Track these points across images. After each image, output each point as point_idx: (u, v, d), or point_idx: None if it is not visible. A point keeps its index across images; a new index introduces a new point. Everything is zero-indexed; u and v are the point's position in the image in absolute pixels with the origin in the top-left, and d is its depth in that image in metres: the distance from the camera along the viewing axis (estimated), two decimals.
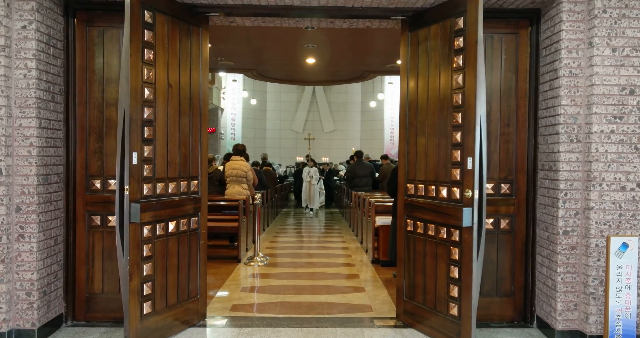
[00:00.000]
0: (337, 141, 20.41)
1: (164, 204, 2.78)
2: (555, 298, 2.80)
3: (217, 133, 15.04)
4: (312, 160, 10.42)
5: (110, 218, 3.05)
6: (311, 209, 10.05)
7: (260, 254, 5.13)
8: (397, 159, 4.05)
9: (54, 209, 2.91)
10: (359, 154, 8.23)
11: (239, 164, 5.74)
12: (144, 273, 2.66)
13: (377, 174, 7.95)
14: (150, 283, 2.70)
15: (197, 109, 3.07)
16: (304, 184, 10.08)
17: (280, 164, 15.66)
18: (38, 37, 2.73)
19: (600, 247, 2.69)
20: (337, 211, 11.04)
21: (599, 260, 2.69)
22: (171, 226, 2.85)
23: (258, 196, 5.29)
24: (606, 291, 2.56)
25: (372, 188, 7.72)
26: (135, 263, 2.59)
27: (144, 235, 2.66)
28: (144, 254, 2.67)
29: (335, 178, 11.82)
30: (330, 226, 8.45)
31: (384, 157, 8.22)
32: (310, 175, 9.92)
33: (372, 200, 5.33)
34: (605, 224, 2.69)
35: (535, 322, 3.08)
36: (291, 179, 13.09)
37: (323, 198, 10.90)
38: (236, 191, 5.68)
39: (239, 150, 5.85)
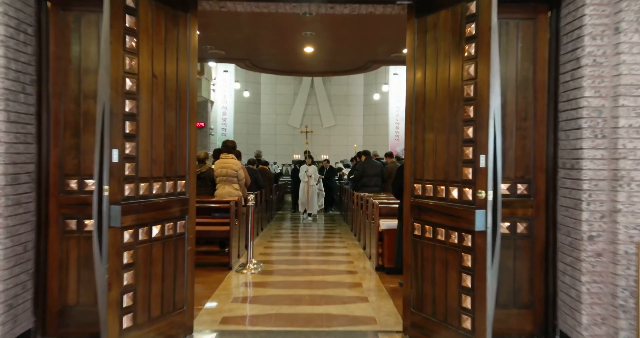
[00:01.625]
0: (337, 137, 20.40)
1: (147, 206, 2.77)
2: (580, 311, 2.76)
3: (207, 128, 15.02)
4: (310, 157, 10.16)
5: (87, 221, 3.02)
6: (309, 215, 9.83)
7: (254, 261, 5.12)
8: (403, 157, 4.03)
9: (23, 213, 2.86)
10: (367, 152, 8.31)
11: (228, 163, 5.73)
12: (125, 283, 2.65)
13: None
14: (131, 293, 2.68)
15: (185, 102, 3.05)
16: (301, 185, 9.82)
17: (275, 163, 15.65)
18: (5, 21, 2.68)
19: (629, 254, 2.64)
20: (338, 214, 11.02)
21: (628, 268, 2.63)
22: (155, 230, 2.84)
23: (251, 197, 5.28)
24: (637, 303, 2.53)
25: (380, 189, 7.78)
26: (114, 272, 2.57)
27: (125, 240, 2.65)
28: (125, 261, 2.66)
29: (336, 177, 11.80)
30: (331, 230, 8.45)
31: (389, 155, 8.26)
32: (309, 175, 9.66)
33: (376, 202, 5.32)
34: (634, 228, 2.64)
35: (557, 336, 3.05)
36: (287, 178, 13.07)
37: (322, 200, 10.81)
38: (226, 191, 5.67)
39: (229, 147, 5.84)
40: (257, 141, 19.98)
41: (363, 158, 8.28)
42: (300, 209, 9.93)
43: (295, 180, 10.65)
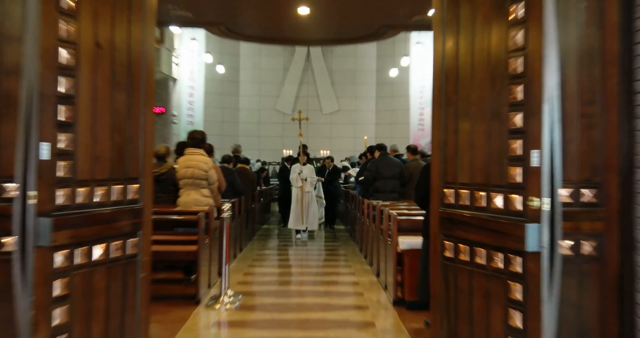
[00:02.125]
0: (342, 126, 20.44)
1: (88, 218, 2.78)
2: None
3: (168, 114, 15.04)
4: (306, 153, 9.88)
5: (5, 239, 2.95)
6: (304, 231, 9.60)
7: (230, 292, 5.12)
8: (430, 154, 4.04)
9: None
10: (381, 146, 8.30)
11: (196, 161, 5.73)
12: (56, 322, 2.63)
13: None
14: (64, 336, 2.67)
15: (139, 80, 3.08)
16: (294, 192, 9.62)
17: (259, 161, 15.63)
18: None
19: None
20: (343, 229, 11.02)
21: None
22: (98, 251, 2.84)
23: (227, 206, 5.29)
24: None
25: (399, 195, 7.84)
26: (42, 307, 2.55)
27: (57, 265, 2.64)
28: (57, 293, 2.64)
29: (341, 180, 11.74)
30: (333, 250, 8.49)
31: (411, 150, 8.27)
32: (303, 177, 9.48)
33: (394, 212, 5.32)
34: None
35: None
36: (276, 181, 13.02)
37: (322, 211, 10.71)
38: (193, 199, 5.68)
39: (197, 139, 5.85)
40: (234, 131, 20.00)
41: (376, 154, 8.30)
42: (292, 225, 9.59)
43: (285, 184, 10.54)
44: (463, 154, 3.05)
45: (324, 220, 10.92)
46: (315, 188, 10.08)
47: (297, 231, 9.67)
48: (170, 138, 14.52)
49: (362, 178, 8.38)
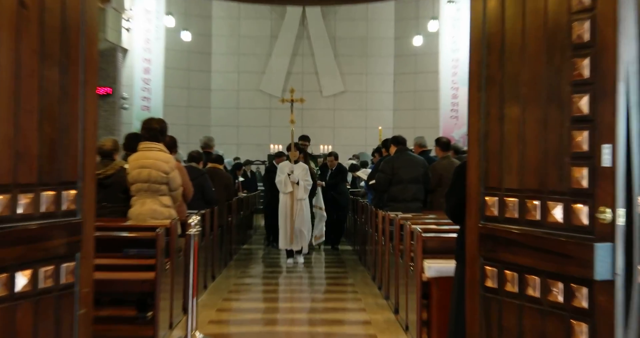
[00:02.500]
0: (348, 113, 20.41)
1: (7, 236, 2.75)
2: None
3: (116, 97, 15.00)
4: (299, 147, 9.78)
5: None
6: (299, 253, 9.58)
7: (199, 335, 5.10)
8: (466, 149, 4.04)
9: None
10: (398, 140, 8.18)
11: (153, 159, 5.67)
12: None
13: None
14: None
15: (77, 51, 3.06)
16: (282, 200, 9.51)
17: (238, 159, 15.58)
18: None
19: None
20: (350, 250, 11.00)
21: None
22: (22, 280, 2.81)
23: (194, 220, 5.27)
24: None
25: (423, 204, 7.81)
26: None
27: None
28: None
29: (349, 185, 11.66)
30: (337, 278, 8.41)
31: (442, 144, 8.22)
32: (295, 180, 9.31)
33: (418, 228, 5.26)
34: None
35: None
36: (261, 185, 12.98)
37: (323, 226, 10.63)
38: (149, 210, 5.62)
39: (154, 131, 5.81)
40: (205, 120, 19.96)
41: (392, 150, 8.20)
42: (282, 245, 9.55)
43: (273, 190, 10.39)
44: (510, 150, 3.05)
45: (324, 238, 10.83)
46: (313, 194, 10.01)
47: (290, 254, 9.57)
48: (119, 129, 14.51)
49: (373, 181, 8.36)
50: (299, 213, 9.46)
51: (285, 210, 9.46)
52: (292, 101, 10.38)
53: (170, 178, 5.77)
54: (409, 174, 7.79)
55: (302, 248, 9.62)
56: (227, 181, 9.39)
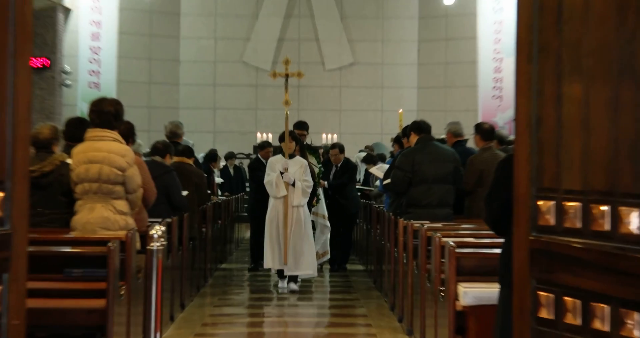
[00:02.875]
0: (357, 91, 20.67)
1: None
2: None
3: (55, 70, 15.14)
4: (295, 137, 9.59)
5: None
6: (293, 279, 9.30)
7: None
8: (513, 140, 4.12)
9: None
10: (421, 126, 8.15)
11: (105, 151, 5.78)
12: None
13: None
14: None
15: (6, 11, 2.89)
16: (272, 206, 9.37)
17: (214, 151, 15.66)
18: None
19: None
20: (362, 270, 11.08)
21: None
22: None
23: (158, 230, 5.33)
24: None
25: (455, 211, 7.77)
26: None
27: None
28: None
29: (359, 184, 11.78)
30: (344, 307, 8.50)
31: (484, 132, 8.18)
32: (288, 179, 9.25)
33: (450, 241, 5.37)
34: None
35: None
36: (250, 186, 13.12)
37: (326, 240, 10.75)
38: (99, 218, 5.68)
39: (106, 114, 5.85)
40: (172, 100, 20.23)
41: (413, 139, 8.25)
42: (270, 264, 9.34)
43: (260, 192, 10.48)
44: (571, 139, 2.98)
45: (329, 255, 10.88)
46: (316, 199, 10.03)
47: (281, 275, 9.49)
48: (59, 112, 14.67)
49: (388, 180, 8.45)
50: (296, 224, 9.14)
51: (276, 221, 9.15)
52: (286, 75, 10.35)
53: (127, 176, 5.80)
54: (433, 171, 7.74)
55: (297, 276, 9.26)
56: (197, 179, 9.23)
